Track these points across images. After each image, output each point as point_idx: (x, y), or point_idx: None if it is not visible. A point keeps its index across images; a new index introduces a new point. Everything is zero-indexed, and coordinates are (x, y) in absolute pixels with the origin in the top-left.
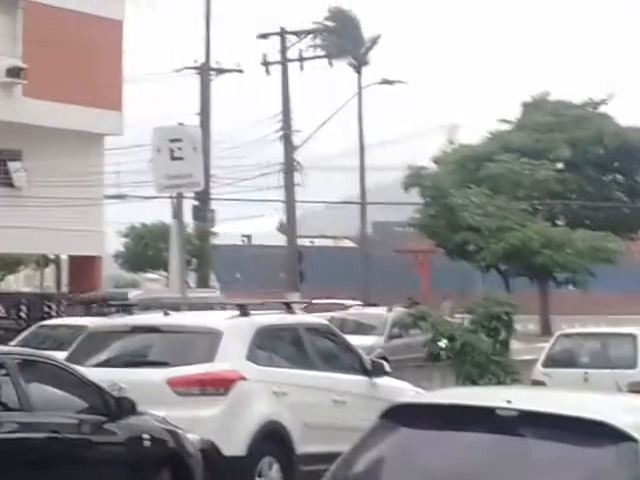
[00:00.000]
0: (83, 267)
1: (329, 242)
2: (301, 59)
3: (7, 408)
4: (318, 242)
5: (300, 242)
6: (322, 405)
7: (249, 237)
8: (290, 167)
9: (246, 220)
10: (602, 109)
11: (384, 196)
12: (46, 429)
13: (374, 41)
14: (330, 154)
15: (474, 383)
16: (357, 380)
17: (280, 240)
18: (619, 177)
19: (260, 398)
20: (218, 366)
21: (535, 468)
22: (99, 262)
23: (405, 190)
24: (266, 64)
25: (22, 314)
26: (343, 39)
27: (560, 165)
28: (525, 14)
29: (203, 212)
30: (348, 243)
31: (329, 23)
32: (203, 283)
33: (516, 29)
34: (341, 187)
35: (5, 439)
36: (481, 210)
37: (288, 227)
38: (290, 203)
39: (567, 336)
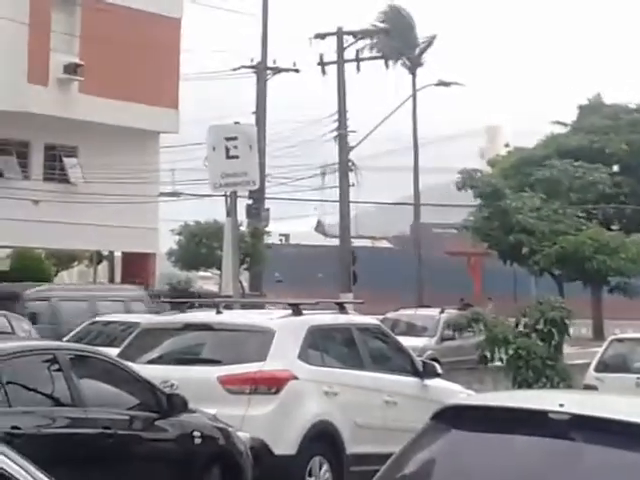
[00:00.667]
0: (137, 264)
1: (367, 242)
2: (357, 60)
3: (59, 403)
4: (356, 242)
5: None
6: (373, 405)
7: (287, 236)
8: (345, 167)
9: (287, 220)
10: None
11: (435, 198)
12: (98, 425)
13: (429, 42)
14: (382, 154)
15: (529, 387)
16: (408, 381)
17: (317, 240)
18: None
19: (311, 398)
20: (270, 365)
21: (586, 473)
22: (153, 259)
23: (459, 190)
24: (322, 64)
25: None
26: (397, 40)
27: (615, 168)
28: (579, 17)
29: (257, 211)
30: (385, 244)
31: (384, 24)
32: (256, 282)
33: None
34: (394, 188)
35: (57, 434)
36: (535, 213)
37: (341, 228)
38: (344, 203)
39: (620, 341)
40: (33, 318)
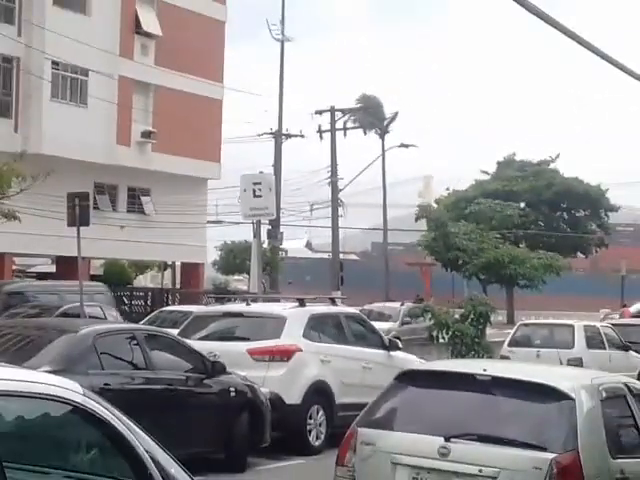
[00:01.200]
0: (191, 270)
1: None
2: (344, 129)
3: (137, 368)
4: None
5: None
6: (354, 370)
7: (286, 251)
8: (335, 203)
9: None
10: (553, 165)
11: (397, 224)
12: (163, 382)
13: (393, 117)
14: (361, 193)
15: (463, 357)
16: (379, 353)
17: (307, 254)
18: (564, 214)
19: (311, 364)
20: (283, 341)
21: (502, 417)
22: (202, 267)
23: (416, 221)
24: (320, 132)
25: (148, 302)
26: (371, 116)
27: (522, 204)
28: (498, 92)
29: (274, 233)
30: (353, 257)
31: (361, 104)
32: (274, 283)
33: (494, 103)
34: (370, 217)
35: (136, 389)
36: (467, 236)
37: (333, 246)
38: (335, 228)
39: (525, 325)
40: (9, 307)
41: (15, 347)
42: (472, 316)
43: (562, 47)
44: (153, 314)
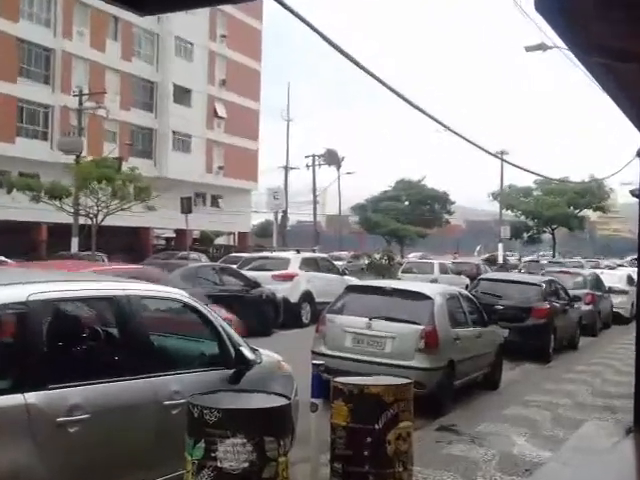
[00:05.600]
0: (242, 237)
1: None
2: (320, 164)
3: (217, 284)
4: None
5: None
6: (324, 284)
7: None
8: (314, 202)
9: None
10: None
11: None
12: (231, 291)
13: (342, 159)
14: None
15: (382, 278)
16: (338, 277)
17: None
18: (427, 207)
19: (303, 282)
20: (289, 270)
21: (398, 308)
22: (248, 235)
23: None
24: (308, 167)
25: (222, 252)
26: (331, 159)
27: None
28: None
29: (284, 218)
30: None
31: (327, 151)
32: (284, 243)
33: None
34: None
35: (217, 295)
36: (383, 217)
37: (314, 225)
38: (315, 217)
39: (408, 263)
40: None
41: None
42: (385, 258)
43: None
44: (224, 258)
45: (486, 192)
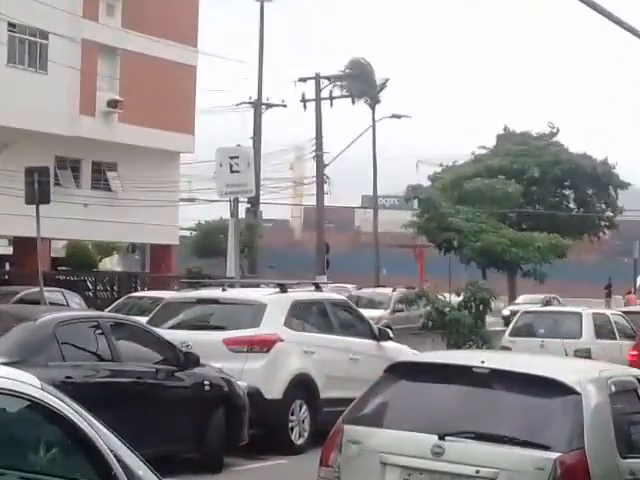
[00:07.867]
0: (161, 253)
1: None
2: (331, 98)
3: (102, 359)
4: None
5: None
6: (341, 361)
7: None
8: (320, 179)
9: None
10: (553, 139)
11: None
12: (132, 375)
13: (383, 84)
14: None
15: (459, 348)
16: (368, 343)
17: None
18: (570, 192)
19: (294, 355)
20: (263, 330)
21: (502, 413)
22: (174, 249)
23: (406, 202)
24: (304, 101)
25: (115, 288)
26: (360, 83)
27: (526, 183)
28: (495, 62)
29: (253, 212)
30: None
31: (350, 71)
32: (252, 267)
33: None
34: (356, 195)
35: (100, 382)
36: (464, 216)
37: (318, 226)
38: (320, 207)
39: (528, 313)
40: None
41: None
42: (472, 303)
43: (567, 9)
44: (120, 301)
45: None
